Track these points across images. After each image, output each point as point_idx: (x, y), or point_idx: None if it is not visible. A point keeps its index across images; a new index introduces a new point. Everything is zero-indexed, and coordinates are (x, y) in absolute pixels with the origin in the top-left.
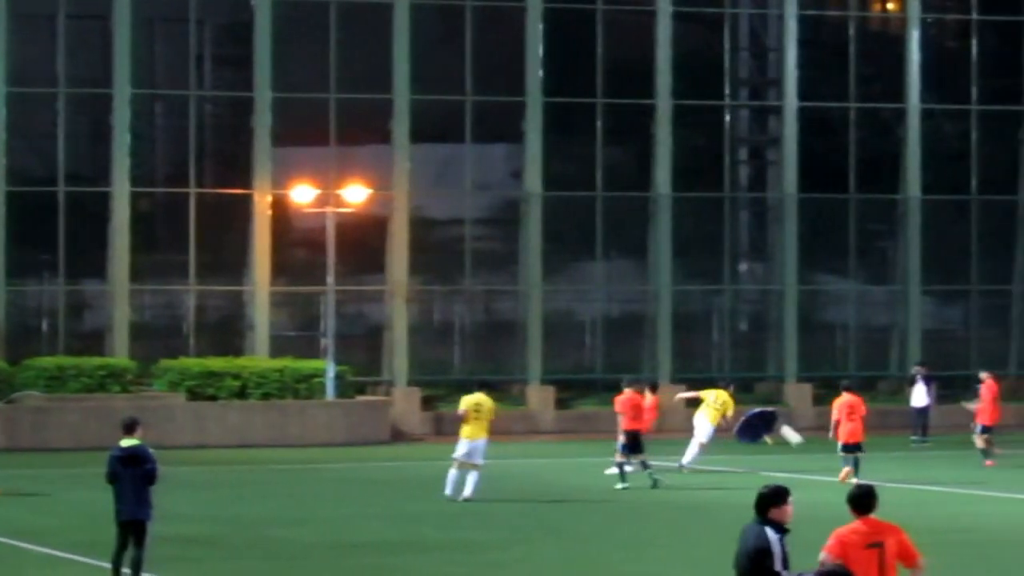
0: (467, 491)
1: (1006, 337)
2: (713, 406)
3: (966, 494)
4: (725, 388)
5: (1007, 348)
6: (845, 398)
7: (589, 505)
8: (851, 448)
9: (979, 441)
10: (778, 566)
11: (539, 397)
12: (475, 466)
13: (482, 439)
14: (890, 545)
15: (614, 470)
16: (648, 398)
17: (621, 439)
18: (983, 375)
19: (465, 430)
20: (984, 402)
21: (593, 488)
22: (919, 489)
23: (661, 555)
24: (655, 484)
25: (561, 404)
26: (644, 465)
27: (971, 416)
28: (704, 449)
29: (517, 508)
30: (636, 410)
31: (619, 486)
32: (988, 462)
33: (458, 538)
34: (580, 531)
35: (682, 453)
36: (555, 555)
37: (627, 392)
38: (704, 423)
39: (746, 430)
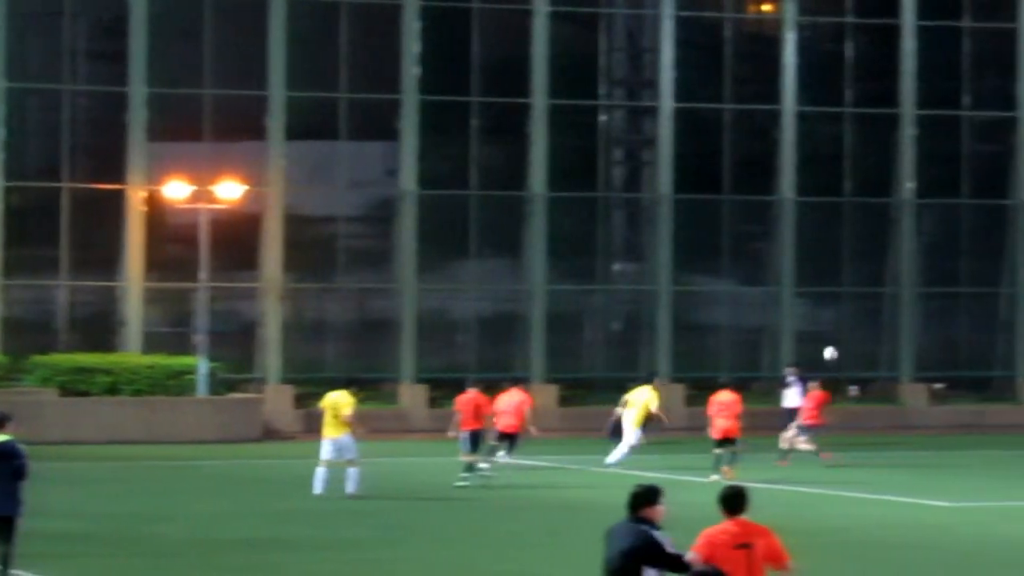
0: (348, 487)
1: (877, 339)
2: (637, 405)
3: (837, 496)
4: (648, 383)
5: (878, 350)
6: (722, 395)
7: (461, 504)
8: (723, 444)
9: (785, 441)
10: (673, 550)
11: (412, 396)
12: (350, 462)
13: (344, 436)
14: (759, 547)
15: (485, 467)
16: (504, 399)
17: (461, 436)
18: (790, 377)
19: (324, 429)
20: (808, 403)
21: (467, 488)
22: (790, 490)
23: (532, 554)
24: (482, 484)
25: (434, 403)
26: (471, 468)
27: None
28: (633, 450)
29: (389, 506)
30: (477, 410)
31: (460, 483)
32: (781, 462)
33: (329, 536)
34: (451, 530)
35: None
36: (426, 554)
37: (470, 392)
38: (629, 424)
39: (617, 430)
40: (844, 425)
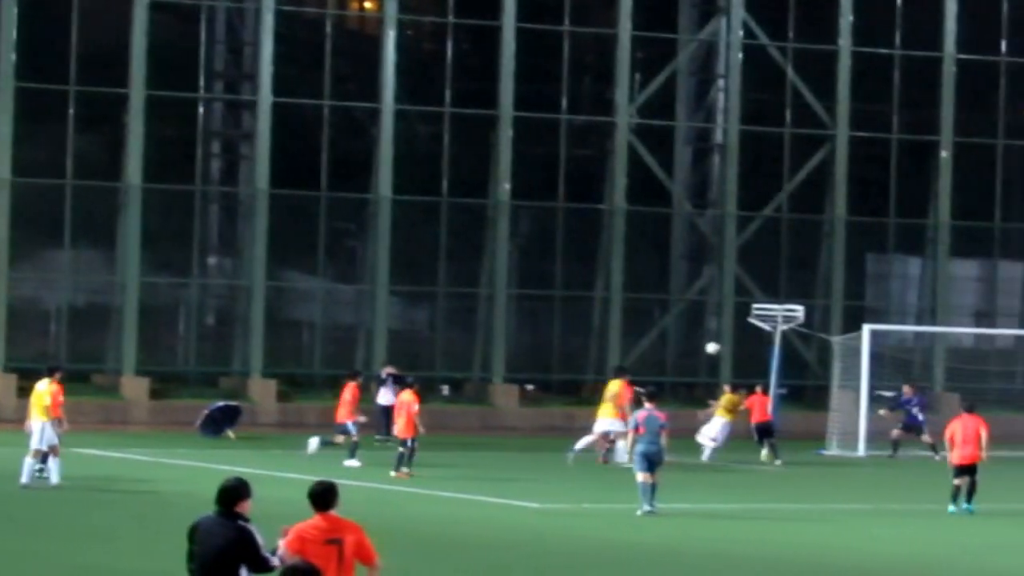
0: (52, 478)
1: (471, 340)
2: (608, 401)
3: (429, 495)
4: (619, 376)
5: (471, 351)
6: (403, 395)
7: (43, 496)
8: (403, 443)
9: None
10: (265, 553)
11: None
12: (51, 450)
13: (39, 421)
14: (348, 543)
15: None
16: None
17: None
18: (385, 375)
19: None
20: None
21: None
22: (382, 488)
23: (114, 547)
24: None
25: (23, 392)
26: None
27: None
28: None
29: None
30: None
31: None
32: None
33: None
34: (29, 522)
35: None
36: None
37: None
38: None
39: (209, 424)
40: (436, 425)
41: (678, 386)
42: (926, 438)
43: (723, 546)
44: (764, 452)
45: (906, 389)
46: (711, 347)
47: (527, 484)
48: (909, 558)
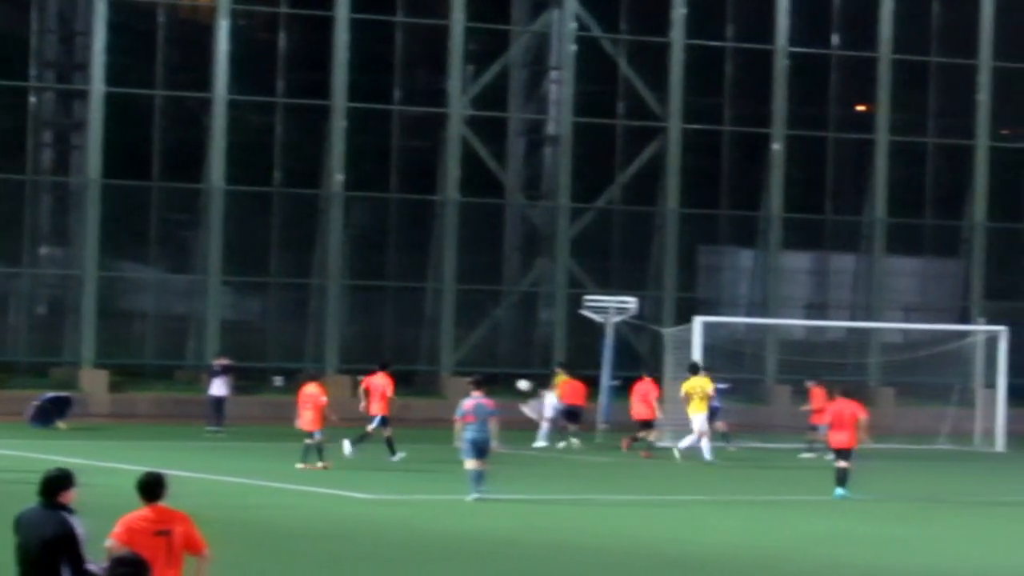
0: None
1: (303, 330)
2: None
3: (261, 486)
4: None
5: (304, 341)
6: (309, 388)
7: None
8: (312, 435)
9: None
10: (85, 551)
11: None
12: None
13: None
14: (177, 534)
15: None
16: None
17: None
18: (217, 366)
19: None
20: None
21: None
22: (213, 479)
23: None
24: None
25: None
26: None
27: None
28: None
29: None
30: None
31: None
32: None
33: None
34: None
35: None
36: None
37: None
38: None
39: (39, 415)
40: (270, 416)
41: (511, 376)
42: (720, 425)
43: (558, 536)
44: (569, 438)
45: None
46: (522, 384)
47: (360, 475)
48: (746, 549)
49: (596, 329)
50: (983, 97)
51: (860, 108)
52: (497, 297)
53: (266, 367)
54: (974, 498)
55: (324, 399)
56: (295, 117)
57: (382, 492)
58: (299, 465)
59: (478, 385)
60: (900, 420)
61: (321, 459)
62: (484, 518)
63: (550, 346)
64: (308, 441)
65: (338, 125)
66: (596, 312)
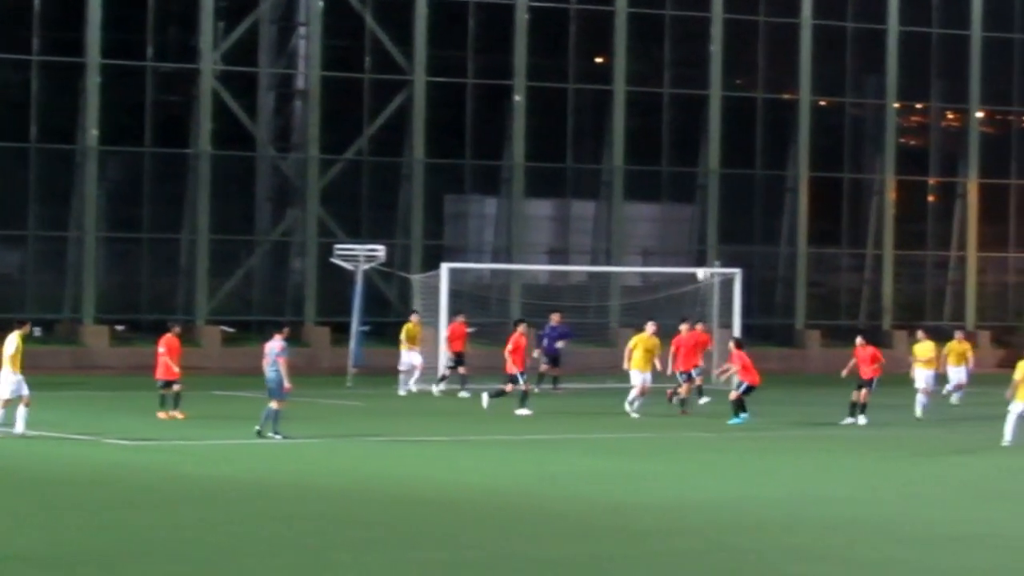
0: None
1: (61, 282)
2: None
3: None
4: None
5: (62, 293)
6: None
7: None
8: (168, 384)
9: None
10: None
11: None
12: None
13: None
14: None
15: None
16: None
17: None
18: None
19: None
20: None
21: None
22: None
23: None
24: None
25: None
26: None
27: None
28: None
29: None
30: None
31: None
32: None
33: None
34: None
35: None
36: None
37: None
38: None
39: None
40: (28, 365)
41: (264, 324)
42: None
43: (309, 478)
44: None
45: (554, 317)
46: (702, 273)
47: (119, 422)
48: (491, 487)
49: (347, 277)
50: (716, 48)
51: (598, 60)
52: (250, 247)
53: (24, 318)
54: (720, 435)
55: (162, 350)
56: (50, 74)
57: (143, 439)
58: (160, 414)
59: (279, 329)
60: None
61: (177, 407)
62: (244, 461)
63: (302, 294)
64: (163, 391)
65: (92, 82)
66: (346, 260)
